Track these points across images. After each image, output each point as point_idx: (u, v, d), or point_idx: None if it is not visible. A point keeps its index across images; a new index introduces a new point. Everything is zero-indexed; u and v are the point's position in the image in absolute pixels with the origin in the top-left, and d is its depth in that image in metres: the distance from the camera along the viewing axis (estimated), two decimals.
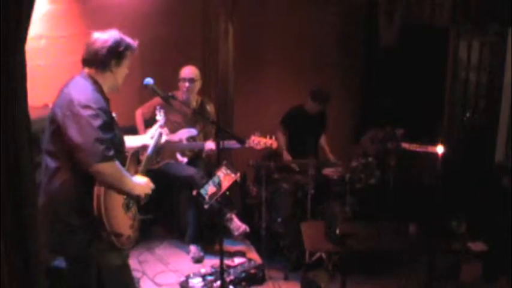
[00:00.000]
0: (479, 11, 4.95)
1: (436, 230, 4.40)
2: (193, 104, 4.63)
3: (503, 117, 5.07)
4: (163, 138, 3.26)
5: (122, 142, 2.84)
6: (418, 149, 4.51)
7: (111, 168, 2.54)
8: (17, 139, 1.68)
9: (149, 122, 4.64)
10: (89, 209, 2.54)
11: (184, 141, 4.55)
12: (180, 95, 4.48)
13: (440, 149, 4.24)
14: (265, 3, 5.53)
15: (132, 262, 4.28)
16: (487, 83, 5.30)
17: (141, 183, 2.82)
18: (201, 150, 4.69)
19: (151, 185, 2.90)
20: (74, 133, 2.47)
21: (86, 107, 2.50)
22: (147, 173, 4.50)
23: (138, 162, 2.97)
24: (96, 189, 2.55)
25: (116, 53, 2.68)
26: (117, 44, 2.68)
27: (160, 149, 4.56)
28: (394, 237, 3.90)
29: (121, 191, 2.68)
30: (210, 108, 4.73)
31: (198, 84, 4.61)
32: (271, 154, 4.78)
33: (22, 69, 1.70)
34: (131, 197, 2.77)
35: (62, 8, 4.46)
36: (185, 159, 4.57)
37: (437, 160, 4.21)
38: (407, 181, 4.91)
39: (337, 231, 3.63)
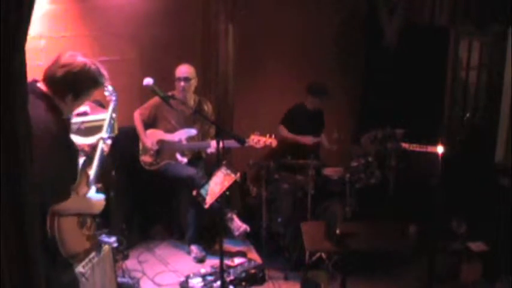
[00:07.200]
0: (479, 11, 4.93)
1: (436, 230, 4.40)
2: (191, 103, 4.62)
3: (503, 117, 5.05)
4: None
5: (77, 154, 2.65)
6: (418, 149, 4.50)
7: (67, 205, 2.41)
8: (17, 140, 1.68)
9: (148, 123, 4.64)
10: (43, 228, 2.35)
11: (184, 142, 4.54)
12: (176, 94, 4.48)
13: (440, 149, 4.24)
14: (265, 3, 5.53)
15: (132, 262, 4.29)
16: (487, 83, 5.29)
17: (96, 201, 2.69)
18: (202, 150, 4.69)
19: (103, 201, 2.75)
20: None
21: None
22: (148, 172, 4.46)
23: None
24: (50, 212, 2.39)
25: (74, 89, 2.45)
26: (80, 81, 2.45)
27: (160, 150, 4.57)
28: (394, 237, 3.89)
29: (75, 214, 2.53)
30: (207, 107, 4.72)
31: (193, 83, 4.60)
32: (275, 153, 4.79)
33: (22, 69, 1.70)
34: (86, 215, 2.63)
35: (62, 8, 4.46)
36: (185, 159, 4.56)
37: (437, 160, 4.20)
38: (407, 181, 4.90)
39: (337, 231, 3.62)
